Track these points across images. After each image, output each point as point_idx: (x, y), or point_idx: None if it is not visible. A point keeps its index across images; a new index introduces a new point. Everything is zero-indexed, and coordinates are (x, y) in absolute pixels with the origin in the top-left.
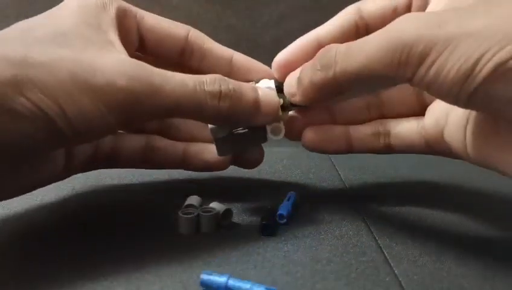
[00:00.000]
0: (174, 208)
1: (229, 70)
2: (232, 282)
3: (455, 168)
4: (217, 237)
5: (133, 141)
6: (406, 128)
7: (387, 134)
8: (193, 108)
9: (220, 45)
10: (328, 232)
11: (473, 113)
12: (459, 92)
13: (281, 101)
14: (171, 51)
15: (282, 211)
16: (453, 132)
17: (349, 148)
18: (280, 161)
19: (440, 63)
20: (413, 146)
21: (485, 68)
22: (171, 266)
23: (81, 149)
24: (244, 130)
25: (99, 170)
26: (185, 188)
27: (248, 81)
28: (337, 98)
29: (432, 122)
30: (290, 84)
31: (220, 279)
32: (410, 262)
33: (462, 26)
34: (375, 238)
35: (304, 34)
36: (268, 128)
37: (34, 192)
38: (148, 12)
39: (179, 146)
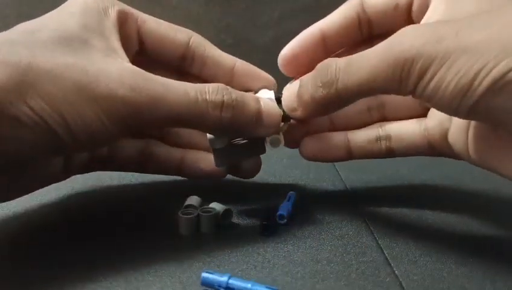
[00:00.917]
0: (174, 209)
1: (230, 78)
2: (233, 281)
3: (455, 169)
4: (217, 237)
5: (131, 146)
6: (408, 130)
7: (389, 137)
8: (195, 118)
9: (222, 52)
10: (329, 233)
11: None
12: (459, 106)
13: (281, 112)
14: (171, 56)
15: (282, 211)
16: (456, 134)
17: (349, 156)
18: (280, 161)
19: (439, 78)
20: (415, 148)
21: (484, 83)
22: (171, 266)
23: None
24: (243, 141)
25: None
26: (185, 188)
27: (248, 89)
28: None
29: (435, 124)
30: (290, 98)
31: (220, 278)
32: (410, 262)
33: (459, 41)
34: (375, 238)
35: None
36: (268, 139)
37: (33, 192)
38: (150, 16)
39: (176, 154)
